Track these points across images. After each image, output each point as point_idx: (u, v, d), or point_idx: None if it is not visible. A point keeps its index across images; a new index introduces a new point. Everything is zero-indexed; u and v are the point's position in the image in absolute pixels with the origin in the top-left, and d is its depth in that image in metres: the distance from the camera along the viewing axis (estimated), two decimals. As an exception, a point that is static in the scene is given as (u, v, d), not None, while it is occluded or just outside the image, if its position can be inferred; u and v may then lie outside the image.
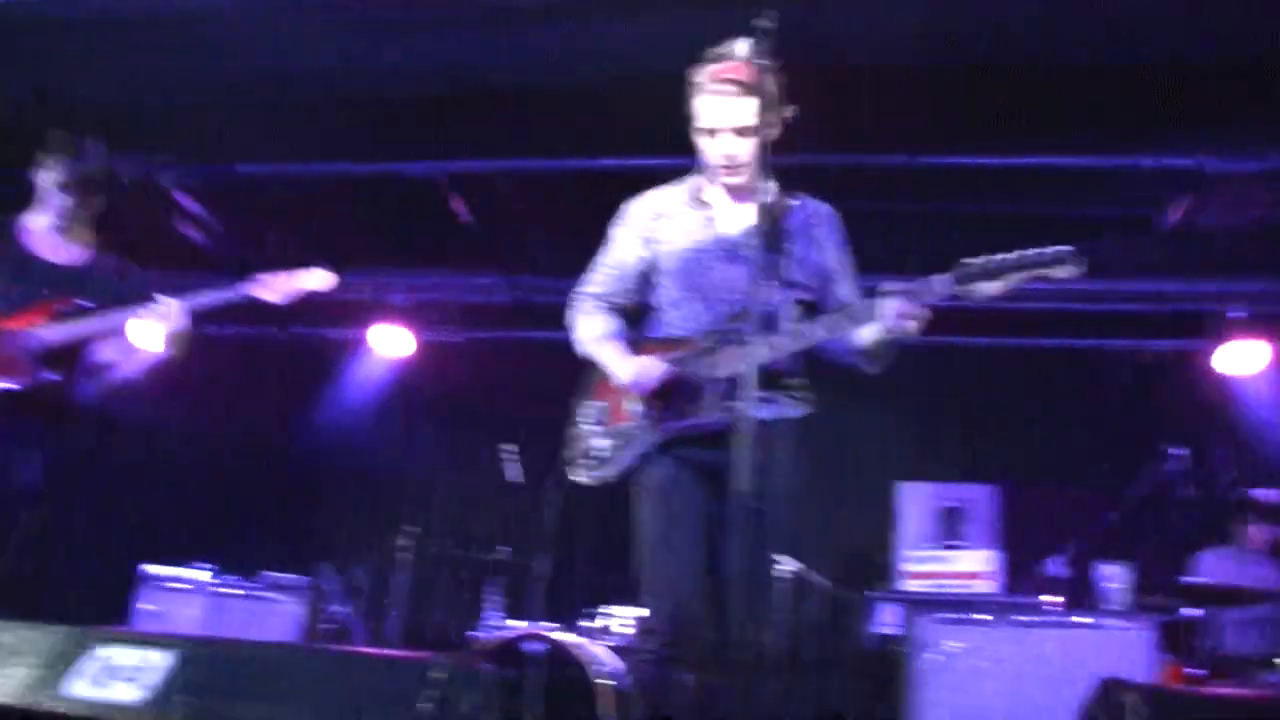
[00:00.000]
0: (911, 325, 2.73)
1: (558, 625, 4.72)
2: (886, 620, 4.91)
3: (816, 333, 2.84)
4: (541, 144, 5.70)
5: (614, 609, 4.96)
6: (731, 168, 2.94)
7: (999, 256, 2.67)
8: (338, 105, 5.49)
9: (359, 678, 2.41)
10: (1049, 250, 2.64)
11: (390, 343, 7.45)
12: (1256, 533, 5.88)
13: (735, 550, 2.38)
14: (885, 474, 6.87)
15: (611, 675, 4.30)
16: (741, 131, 2.88)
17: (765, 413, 2.82)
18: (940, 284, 2.71)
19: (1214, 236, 6.25)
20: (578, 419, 3.13)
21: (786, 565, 5.63)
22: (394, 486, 7.57)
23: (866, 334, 2.91)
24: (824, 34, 4.66)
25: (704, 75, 2.91)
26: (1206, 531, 6.56)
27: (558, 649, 4.34)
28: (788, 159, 4.98)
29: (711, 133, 2.91)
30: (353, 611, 6.04)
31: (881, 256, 6.41)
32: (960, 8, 4.63)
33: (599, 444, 3.03)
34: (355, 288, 7.43)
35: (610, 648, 4.66)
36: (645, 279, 3.11)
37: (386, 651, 4.43)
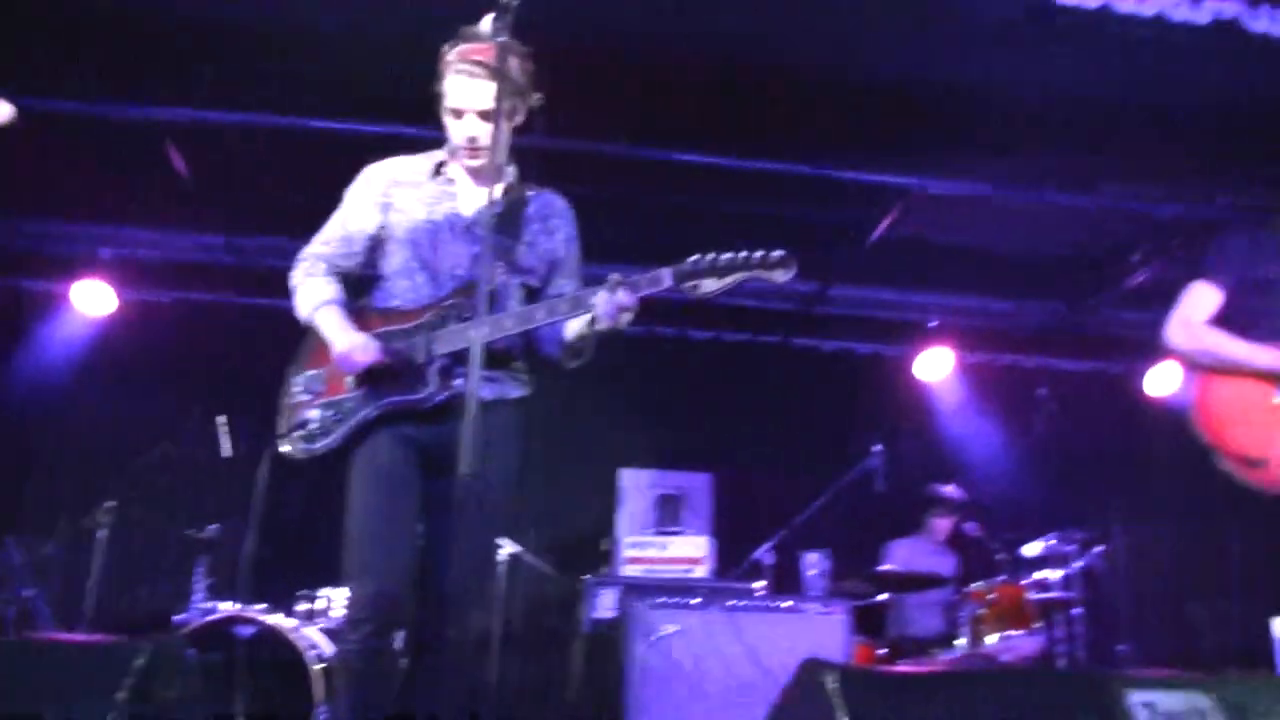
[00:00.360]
0: (627, 317, 2.77)
1: (269, 607, 4.52)
2: (605, 604, 5.01)
3: (536, 315, 2.82)
4: (273, 99, 5.38)
5: (329, 590, 4.78)
6: (473, 150, 2.90)
7: (718, 255, 2.75)
8: (50, 35, 4.97)
9: (48, 667, 2.19)
10: (765, 253, 2.75)
11: (94, 300, 6.84)
12: (939, 524, 6.44)
13: (452, 531, 2.34)
14: (609, 460, 7.02)
15: (324, 659, 4.18)
16: (485, 115, 2.85)
17: (487, 392, 2.80)
18: (660, 278, 2.77)
19: (917, 251, 6.77)
20: (291, 388, 2.99)
21: (505, 548, 5.65)
22: (93, 455, 6.97)
23: (574, 325, 2.92)
24: (569, 22, 4.69)
25: (453, 55, 2.87)
26: (896, 522, 7.13)
27: (268, 632, 4.16)
28: (530, 140, 5.07)
29: (457, 113, 2.88)
30: (41, 593, 5.52)
31: (610, 245, 6.57)
32: (706, 12, 4.77)
33: (312, 415, 2.89)
34: (59, 238, 6.82)
35: (324, 630, 4.52)
36: (374, 246, 3.02)
37: (80, 637, 4.11)
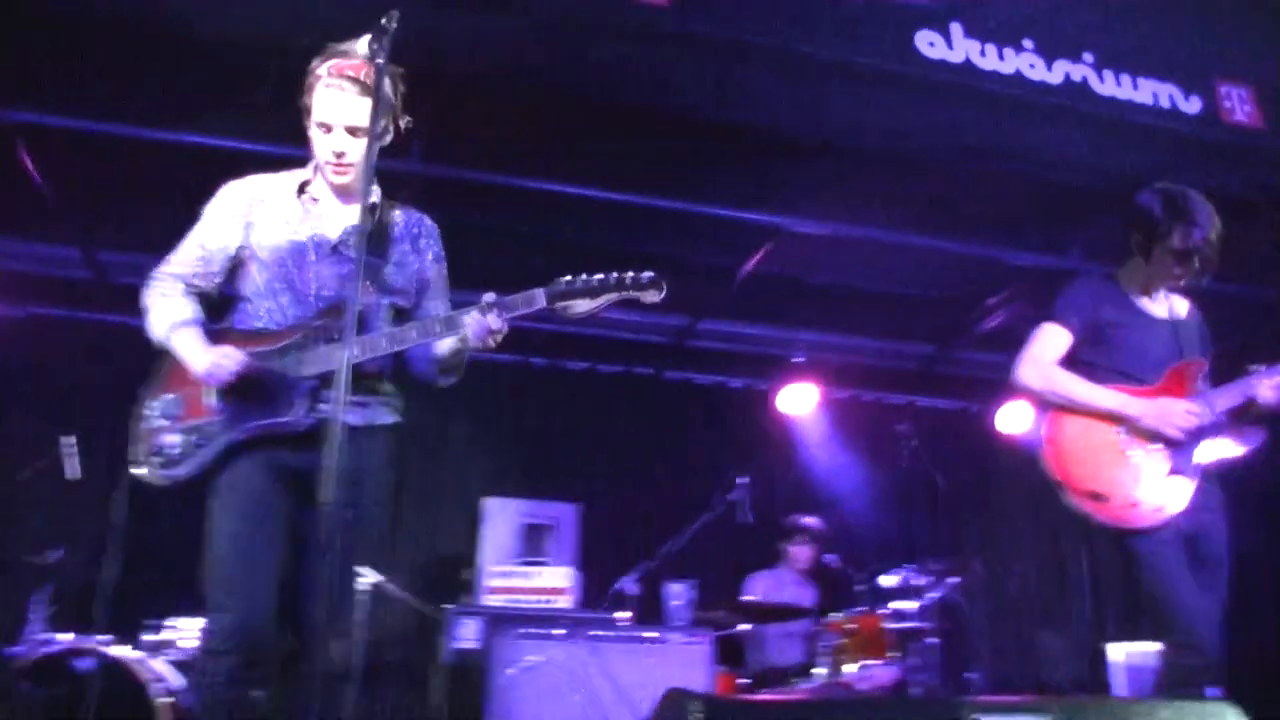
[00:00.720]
0: (496, 339, 2.77)
1: (115, 638, 4.30)
2: (467, 634, 4.93)
3: (409, 335, 2.77)
4: (139, 110, 5.18)
5: (179, 621, 4.57)
6: (340, 166, 2.84)
7: (590, 276, 2.79)
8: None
9: None
10: (636, 274, 2.80)
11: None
12: (799, 553, 6.55)
13: (318, 561, 2.23)
14: (474, 488, 6.95)
15: (172, 693, 4.00)
16: (353, 130, 2.81)
17: (355, 417, 2.77)
18: (533, 299, 2.77)
19: (786, 287, 6.92)
20: (145, 412, 2.86)
21: (368, 577, 5.52)
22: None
23: (447, 343, 2.90)
24: (447, 47, 4.68)
25: (325, 69, 2.82)
26: (761, 554, 7.23)
27: (112, 665, 3.96)
28: (404, 165, 5.01)
29: (325, 127, 2.81)
30: None
31: (479, 273, 6.53)
32: (582, 47, 4.81)
33: (170, 440, 2.77)
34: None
35: (173, 663, 4.33)
36: (234, 266, 2.92)
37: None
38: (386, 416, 2.91)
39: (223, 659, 2.59)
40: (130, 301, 6.29)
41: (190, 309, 2.87)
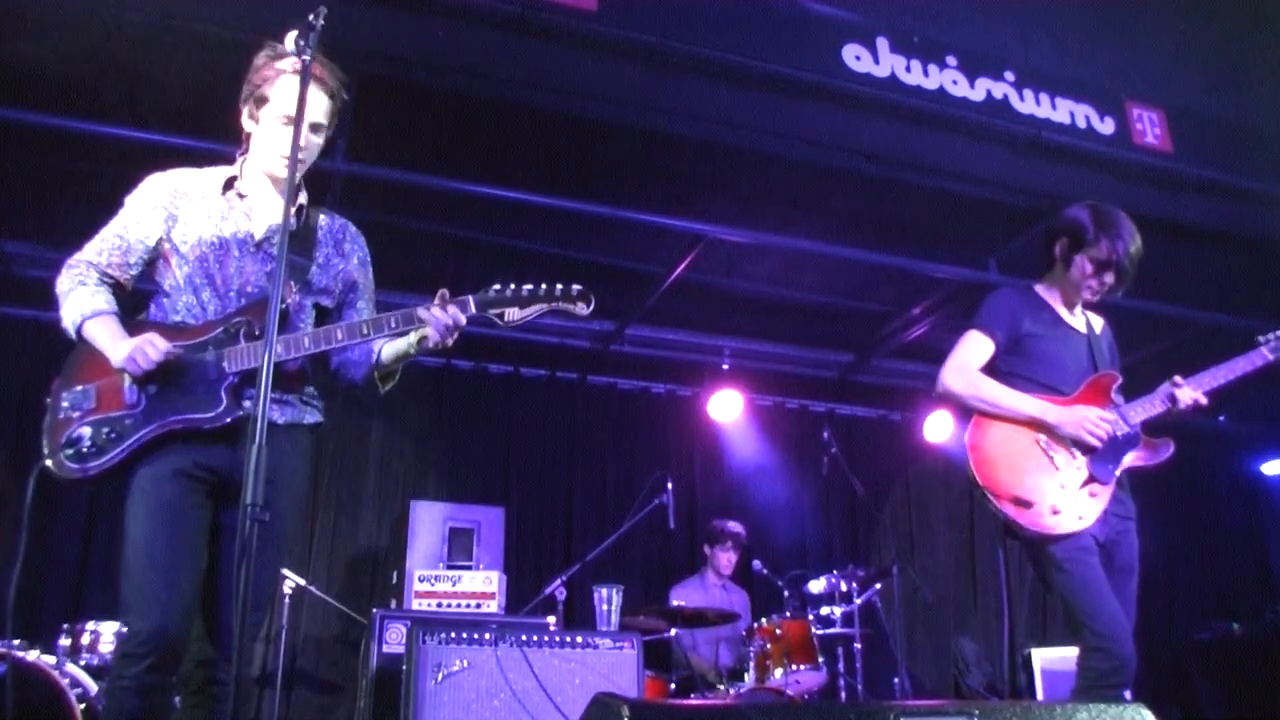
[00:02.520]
0: (433, 342, 2.75)
1: (25, 643, 4.16)
2: (394, 639, 4.89)
3: (335, 335, 2.72)
4: (42, 99, 5.01)
5: (94, 624, 4.45)
6: (293, 160, 2.69)
7: (520, 285, 2.79)
8: None
9: None
10: (566, 286, 2.81)
11: None
12: (722, 557, 6.61)
13: (236, 562, 2.15)
14: (400, 491, 6.89)
15: (88, 697, 3.90)
16: (316, 128, 2.81)
17: (278, 415, 2.74)
18: (465, 304, 2.76)
19: (712, 295, 6.99)
20: (58, 405, 2.71)
21: (291, 580, 5.44)
22: None
23: (396, 346, 2.87)
24: (376, 47, 4.65)
25: (285, 63, 2.77)
26: (687, 558, 7.29)
27: (23, 670, 3.84)
28: (329, 165, 4.94)
29: (289, 119, 2.74)
30: None
31: (402, 275, 6.47)
32: (512, 54, 4.81)
33: (84, 433, 2.63)
34: None
35: (86, 668, 4.21)
36: (152, 259, 2.84)
37: None
38: (308, 416, 2.87)
39: (137, 662, 2.50)
40: (37, 296, 6.11)
41: (105, 298, 2.77)
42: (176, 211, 2.81)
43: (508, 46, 4.79)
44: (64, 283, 2.79)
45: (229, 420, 2.63)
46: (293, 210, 2.68)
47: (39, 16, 4.39)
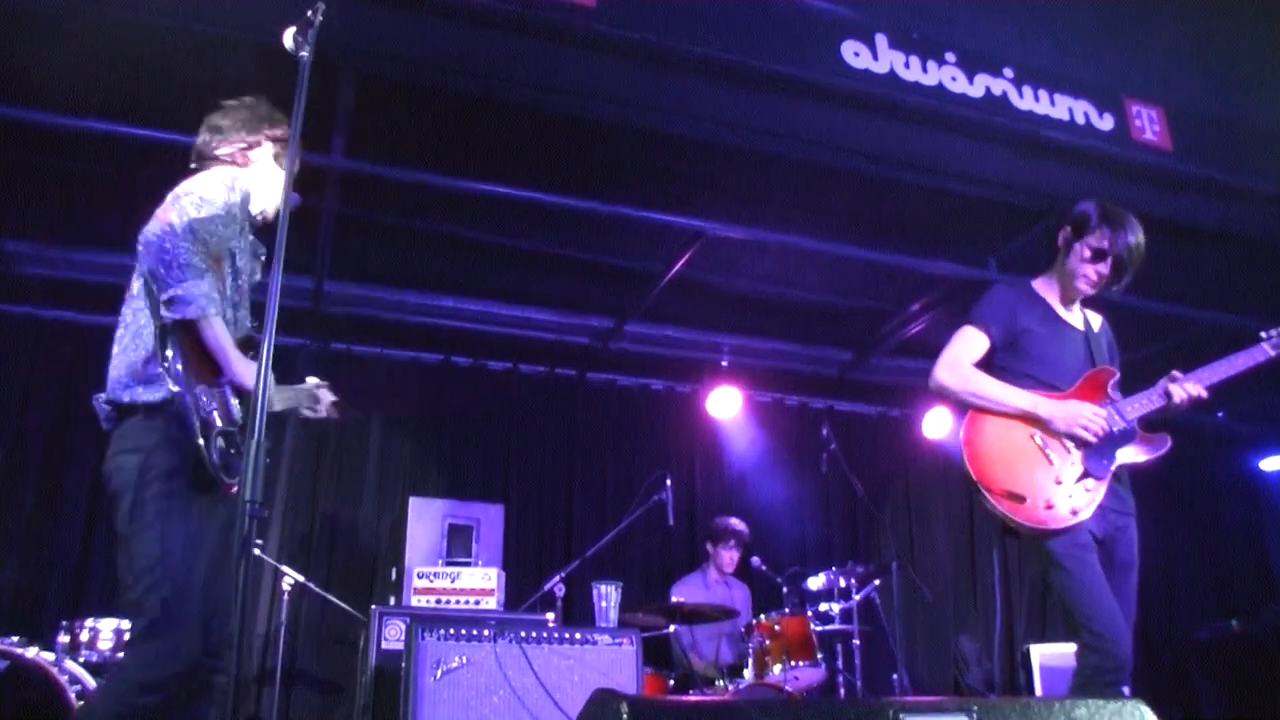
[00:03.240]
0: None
1: (24, 640, 4.17)
2: (393, 635, 4.90)
3: None
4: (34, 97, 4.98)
5: (95, 621, 4.45)
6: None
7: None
8: None
9: None
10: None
11: None
12: (723, 555, 6.61)
13: (235, 557, 2.17)
14: (399, 488, 6.89)
15: (85, 696, 3.90)
16: None
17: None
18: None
19: (712, 292, 6.98)
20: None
21: (290, 577, 5.44)
22: None
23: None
24: (376, 44, 4.64)
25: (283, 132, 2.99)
26: (686, 555, 7.29)
27: (22, 667, 3.84)
28: (320, 159, 4.91)
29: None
30: None
31: (404, 273, 6.43)
32: (512, 53, 4.81)
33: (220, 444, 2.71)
34: None
35: (85, 664, 4.22)
36: None
37: None
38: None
39: (163, 689, 2.54)
40: (35, 294, 6.09)
41: None
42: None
43: (507, 45, 4.78)
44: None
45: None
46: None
47: (35, 16, 4.38)
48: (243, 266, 2.96)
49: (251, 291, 3.01)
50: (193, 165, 3.03)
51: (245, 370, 2.73)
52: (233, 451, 2.67)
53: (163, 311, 2.68)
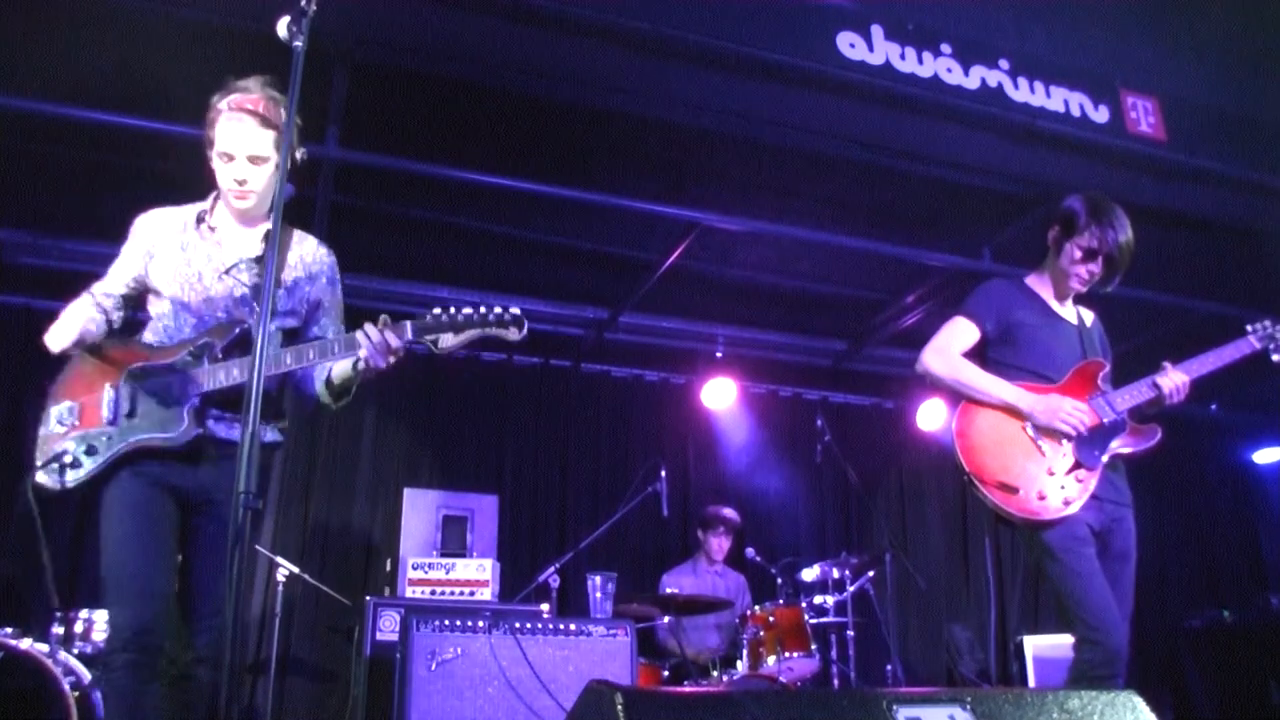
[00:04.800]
0: (395, 356, 2.86)
1: (18, 631, 4.16)
2: (387, 626, 4.90)
3: (309, 354, 2.86)
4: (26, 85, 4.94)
5: (89, 612, 4.45)
6: (242, 192, 2.97)
7: (457, 311, 2.88)
8: None
9: None
10: (501, 311, 2.91)
11: None
12: (716, 544, 6.62)
13: (229, 548, 2.24)
14: (394, 479, 6.89)
15: (81, 685, 3.90)
16: (255, 159, 2.94)
17: (236, 433, 2.79)
18: (403, 330, 2.86)
19: (706, 283, 6.98)
20: (48, 420, 2.94)
21: (284, 567, 5.44)
22: None
23: (340, 367, 2.98)
24: (370, 34, 4.63)
25: (225, 104, 2.93)
26: (681, 545, 7.30)
27: (16, 657, 3.84)
28: (315, 149, 4.89)
29: (228, 157, 2.93)
30: None
31: (399, 263, 6.44)
32: (509, 42, 4.79)
33: (67, 447, 2.84)
34: None
35: (80, 656, 4.22)
36: (139, 292, 3.06)
37: None
38: (266, 434, 2.96)
39: (120, 656, 2.68)
40: (29, 283, 6.07)
41: (88, 310, 2.95)
42: (154, 249, 3.00)
43: (501, 32, 4.77)
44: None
45: (187, 440, 2.80)
46: (261, 238, 2.97)
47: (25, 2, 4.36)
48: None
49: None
50: None
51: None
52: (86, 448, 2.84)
53: None
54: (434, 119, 5.29)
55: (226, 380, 2.79)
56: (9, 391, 6.05)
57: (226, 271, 2.97)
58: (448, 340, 2.87)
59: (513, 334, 2.91)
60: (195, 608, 2.82)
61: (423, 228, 6.19)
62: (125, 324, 3.06)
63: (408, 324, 2.86)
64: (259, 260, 2.94)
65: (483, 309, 2.90)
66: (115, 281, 3.04)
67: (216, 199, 3.07)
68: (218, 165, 2.97)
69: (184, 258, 2.98)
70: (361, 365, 2.87)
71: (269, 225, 2.93)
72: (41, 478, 2.84)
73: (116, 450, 2.80)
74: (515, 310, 2.92)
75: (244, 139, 2.91)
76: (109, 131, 4.88)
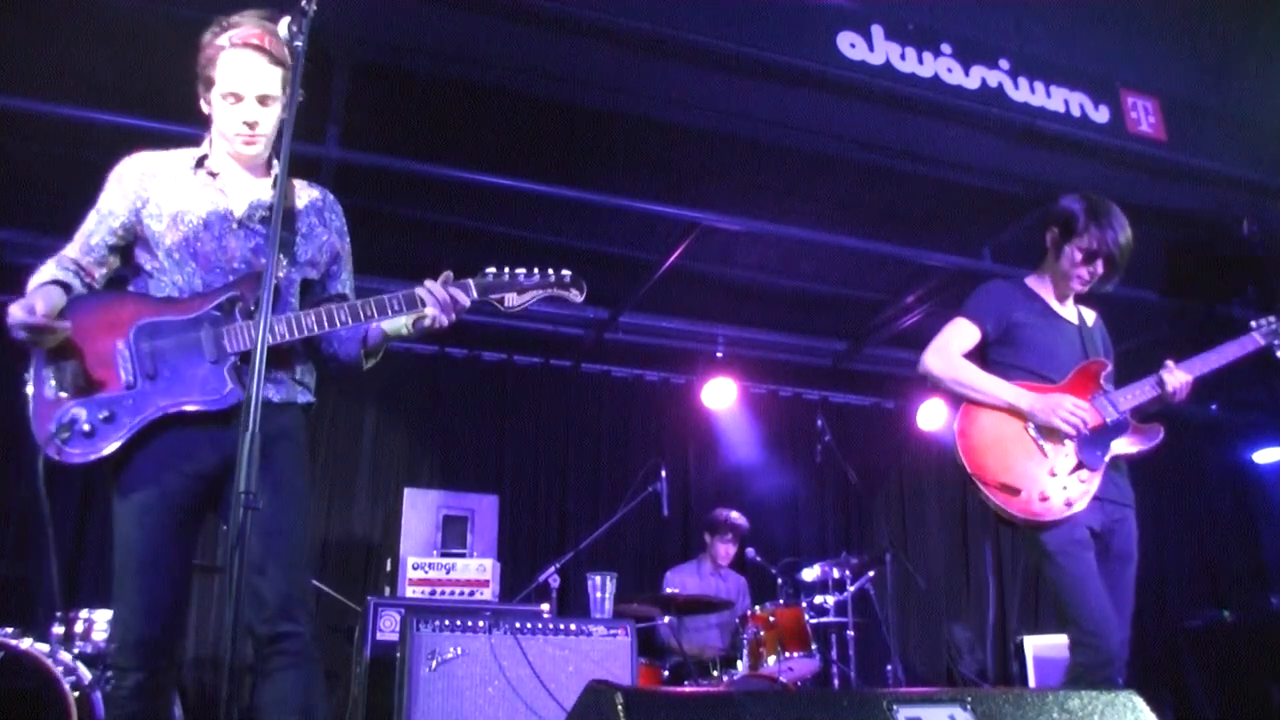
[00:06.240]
0: (431, 320, 2.74)
1: (18, 631, 4.15)
2: (388, 626, 4.89)
3: (339, 316, 2.64)
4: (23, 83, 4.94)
5: (89, 612, 4.45)
6: (252, 136, 2.75)
7: (515, 271, 2.82)
8: None
9: None
10: (563, 273, 2.85)
11: None
12: (721, 548, 6.62)
13: (230, 548, 2.11)
14: (394, 478, 6.89)
15: (80, 686, 3.89)
16: (264, 99, 2.74)
17: (274, 393, 2.68)
18: (467, 288, 2.77)
19: (706, 283, 6.98)
20: (45, 380, 2.59)
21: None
22: None
23: (393, 322, 2.82)
24: (370, 33, 4.63)
25: (227, 39, 2.73)
26: (681, 545, 7.30)
27: (17, 658, 3.84)
28: (324, 151, 4.91)
29: (235, 97, 2.72)
30: None
31: (397, 262, 6.41)
32: (509, 42, 4.79)
33: (76, 414, 2.51)
34: None
35: (80, 655, 4.21)
36: (127, 245, 2.79)
37: None
38: (300, 396, 2.81)
39: (126, 676, 2.51)
40: (25, 283, 6.03)
41: (61, 276, 2.70)
42: (146, 194, 2.75)
43: (501, 32, 4.76)
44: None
45: (230, 403, 2.55)
46: (270, 183, 2.73)
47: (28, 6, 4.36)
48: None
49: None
50: None
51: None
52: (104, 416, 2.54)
53: None
54: (434, 119, 5.29)
55: (266, 339, 2.35)
56: (8, 389, 6.03)
57: (240, 222, 2.75)
58: (513, 299, 2.81)
59: (574, 295, 2.87)
60: (261, 584, 2.51)
61: (423, 228, 6.19)
62: (108, 282, 2.80)
63: (471, 282, 2.78)
64: (272, 209, 2.58)
65: (550, 270, 2.84)
66: (97, 235, 2.76)
67: (211, 143, 2.85)
68: (220, 108, 2.75)
69: (187, 204, 2.73)
70: (427, 323, 2.73)
71: (273, 173, 2.82)
72: (53, 451, 2.48)
73: (146, 417, 2.52)
74: (571, 272, 2.88)
75: (254, 77, 2.71)
76: (109, 131, 4.87)
